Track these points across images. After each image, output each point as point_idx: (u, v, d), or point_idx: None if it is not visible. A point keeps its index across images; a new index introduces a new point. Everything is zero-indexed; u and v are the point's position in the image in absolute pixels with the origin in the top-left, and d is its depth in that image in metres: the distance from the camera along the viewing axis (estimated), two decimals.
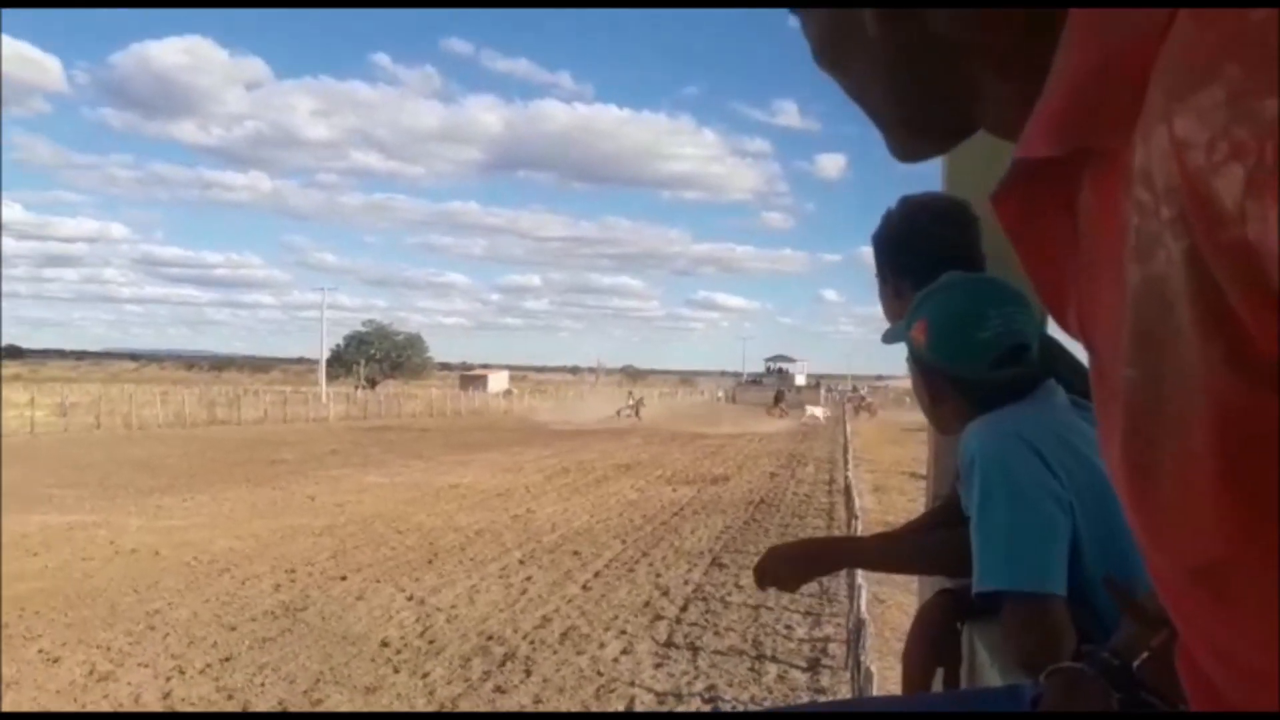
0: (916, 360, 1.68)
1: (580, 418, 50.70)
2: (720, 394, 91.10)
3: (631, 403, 58.44)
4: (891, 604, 9.35)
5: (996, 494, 1.45)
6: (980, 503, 1.46)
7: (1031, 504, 1.43)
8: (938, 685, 1.84)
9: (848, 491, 14.98)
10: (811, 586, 10.72)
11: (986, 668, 1.59)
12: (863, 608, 6.65)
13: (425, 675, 7.88)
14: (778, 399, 64.90)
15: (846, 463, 21.07)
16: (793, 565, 1.83)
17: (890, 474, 22.82)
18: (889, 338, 1.78)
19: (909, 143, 0.61)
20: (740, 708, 7.14)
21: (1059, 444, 1.48)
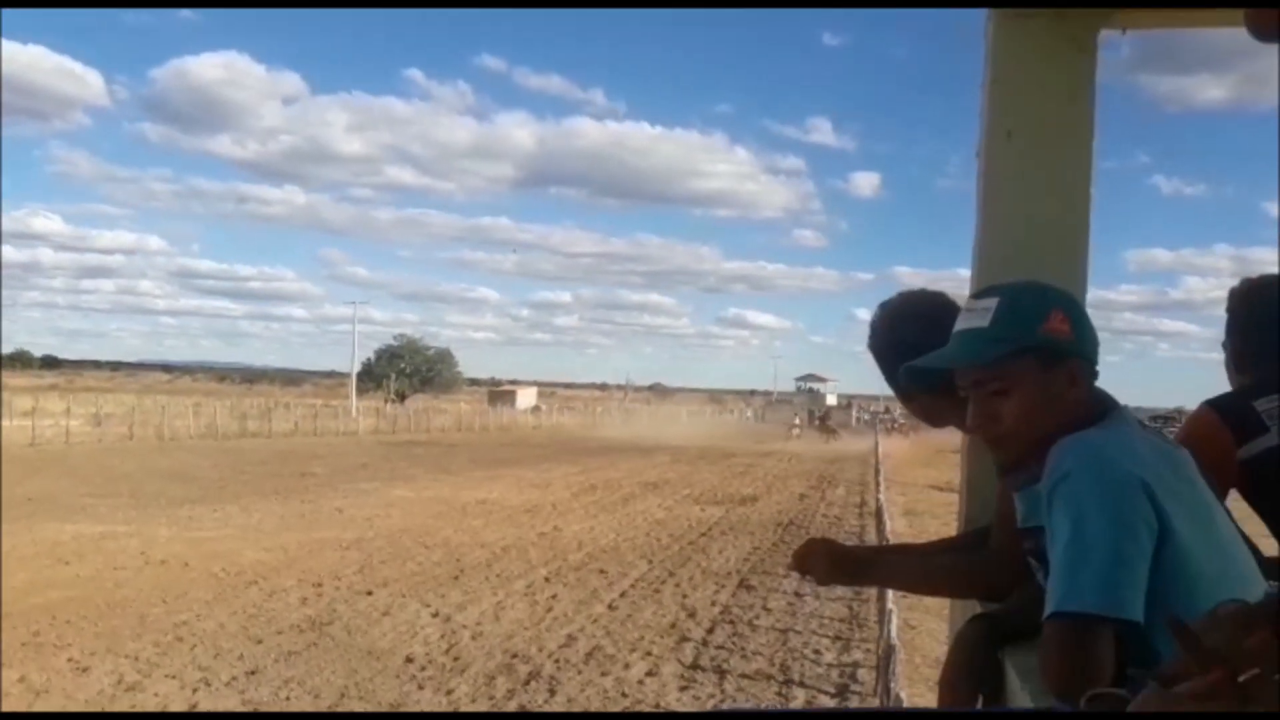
0: (1050, 356, 1.54)
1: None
2: (750, 413, 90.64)
3: (820, 413, 57.68)
4: (922, 630, 9.21)
5: (1094, 515, 1.38)
6: (1074, 521, 1.39)
7: (1128, 528, 1.37)
8: None
9: (879, 514, 14.84)
10: (841, 611, 10.64)
11: (1017, 692, 1.56)
12: (893, 633, 6.54)
13: (450, 692, 7.86)
14: (823, 420, 60.07)
15: (878, 485, 20.89)
16: (832, 571, 1.97)
17: (922, 497, 22.60)
18: (990, 347, 1.56)
19: None
20: None
21: (1155, 471, 1.42)
